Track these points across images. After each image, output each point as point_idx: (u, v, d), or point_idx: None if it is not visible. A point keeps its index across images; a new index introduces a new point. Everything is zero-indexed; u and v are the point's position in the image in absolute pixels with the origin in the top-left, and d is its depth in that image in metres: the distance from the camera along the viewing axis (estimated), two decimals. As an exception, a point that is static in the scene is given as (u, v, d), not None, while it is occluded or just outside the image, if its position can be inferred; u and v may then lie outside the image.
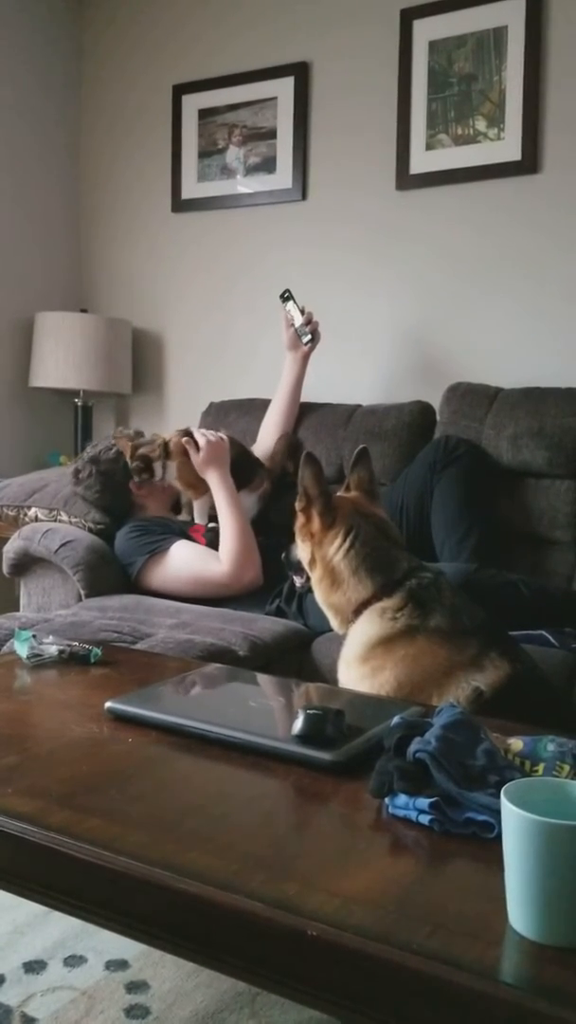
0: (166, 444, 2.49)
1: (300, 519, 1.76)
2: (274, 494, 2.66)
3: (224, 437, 2.53)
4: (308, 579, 1.80)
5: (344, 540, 1.70)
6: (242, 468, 2.55)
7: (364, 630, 1.65)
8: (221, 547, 2.39)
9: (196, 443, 2.47)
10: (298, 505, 1.76)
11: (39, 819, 0.97)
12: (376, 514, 1.78)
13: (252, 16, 3.21)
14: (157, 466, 2.47)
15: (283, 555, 1.95)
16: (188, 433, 2.51)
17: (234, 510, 2.42)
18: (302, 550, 1.78)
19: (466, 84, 2.83)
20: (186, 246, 3.42)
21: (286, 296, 2.77)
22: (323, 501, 1.72)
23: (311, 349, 2.79)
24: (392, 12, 2.93)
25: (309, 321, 2.76)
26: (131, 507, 2.60)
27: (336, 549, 1.70)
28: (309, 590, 1.82)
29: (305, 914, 0.80)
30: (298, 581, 1.91)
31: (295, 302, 2.76)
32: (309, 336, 2.76)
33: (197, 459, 2.46)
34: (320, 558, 1.72)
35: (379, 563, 1.69)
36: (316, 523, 1.73)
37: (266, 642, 2.06)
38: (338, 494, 1.82)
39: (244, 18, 3.23)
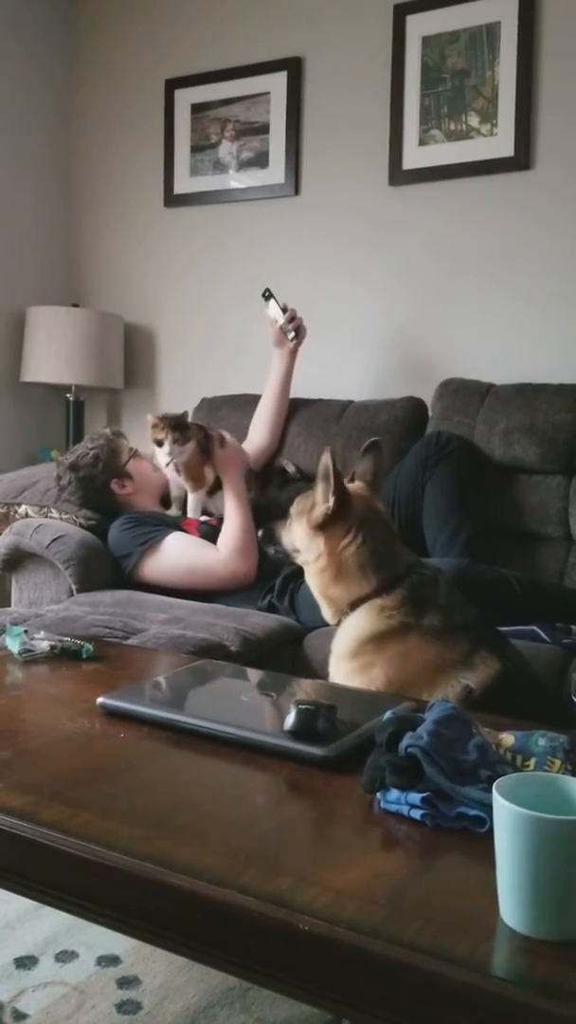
0: (196, 424, 2.50)
1: (306, 504, 1.72)
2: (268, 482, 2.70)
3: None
4: (287, 555, 1.78)
5: (356, 535, 1.67)
6: None
7: (357, 624, 1.64)
8: (223, 536, 2.41)
9: (223, 438, 2.48)
10: (318, 496, 1.70)
11: (31, 814, 0.97)
12: (380, 508, 1.77)
13: (245, 10, 3.20)
14: (190, 433, 2.44)
15: (260, 531, 1.90)
16: (204, 428, 2.52)
17: (242, 506, 2.44)
18: (303, 536, 1.73)
19: (459, 80, 2.82)
20: (178, 241, 3.42)
21: (267, 295, 2.75)
22: (339, 493, 1.67)
23: (297, 345, 2.79)
24: (385, 7, 2.93)
25: (292, 318, 2.75)
26: (116, 507, 2.60)
27: (347, 543, 1.67)
28: (296, 574, 1.79)
29: (297, 909, 0.80)
30: (271, 551, 1.87)
31: (276, 300, 2.74)
32: (293, 333, 2.76)
33: (220, 453, 2.47)
34: (328, 550, 1.68)
35: (384, 560, 1.67)
36: (325, 512, 1.67)
37: (258, 637, 2.06)
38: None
39: (237, 12, 3.22)
